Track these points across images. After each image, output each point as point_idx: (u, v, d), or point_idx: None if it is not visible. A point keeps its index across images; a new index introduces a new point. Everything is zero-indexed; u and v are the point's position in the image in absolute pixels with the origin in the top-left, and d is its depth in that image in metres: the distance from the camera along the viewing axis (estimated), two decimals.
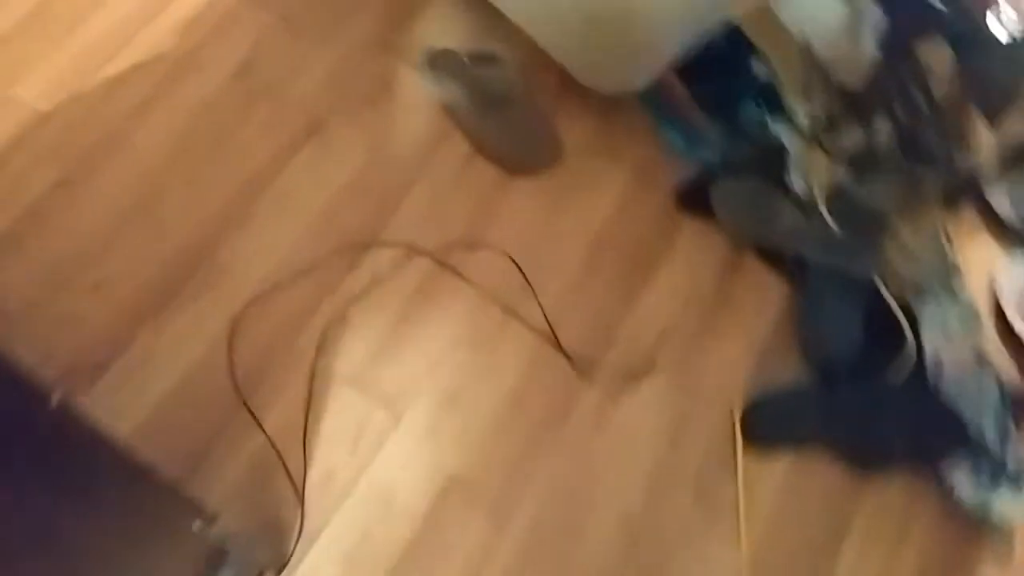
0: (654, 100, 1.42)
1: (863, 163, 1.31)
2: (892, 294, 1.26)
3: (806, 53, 1.33)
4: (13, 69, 1.42)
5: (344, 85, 1.45)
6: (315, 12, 1.53)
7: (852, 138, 1.31)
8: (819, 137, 1.31)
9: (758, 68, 1.36)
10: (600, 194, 1.40)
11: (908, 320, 1.24)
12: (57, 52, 1.45)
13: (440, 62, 1.44)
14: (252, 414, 1.17)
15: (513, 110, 1.40)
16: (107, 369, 1.18)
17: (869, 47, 1.32)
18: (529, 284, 1.31)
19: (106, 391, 1.17)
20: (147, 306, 1.23)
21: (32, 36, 1.46)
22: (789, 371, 1.28)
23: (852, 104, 1.31)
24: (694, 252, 1.37)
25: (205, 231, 1.30)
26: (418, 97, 1.44)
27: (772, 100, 1.35)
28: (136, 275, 1.26)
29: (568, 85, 1.40)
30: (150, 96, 1.42)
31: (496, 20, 1.44)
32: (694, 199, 1.38)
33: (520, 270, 1.32)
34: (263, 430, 1.16)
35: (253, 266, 1.27)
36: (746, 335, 1.31)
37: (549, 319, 1.29)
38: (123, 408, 1.16)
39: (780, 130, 1.34)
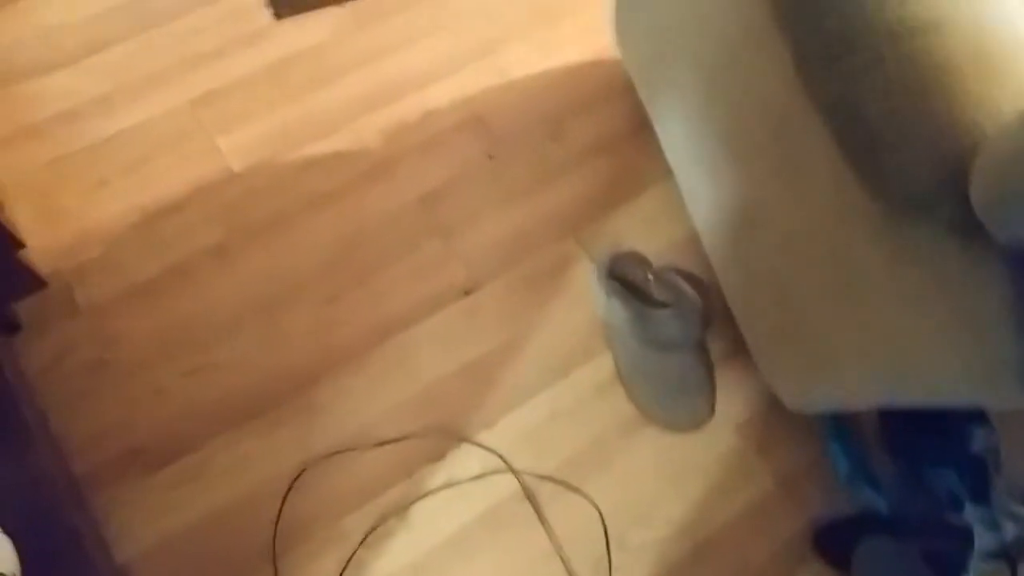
0: (834, 412, 1.20)
1: None
2: None
3: None
4: (229, 118, 1.45)
5: (517, 254, 1.35)
6: (523, 161, 1.44)
7: None
8: (1018, 558, 1.05)
9: (979, 439, 1.11)
10: (732, 486, 1.21)
11: None
12: (273, 114, 1.46)
13: (620, 268, 1.30)
14: None
15: (676, 355, 1.24)
16: (165, 466, 1.16)
17: None
18: (609, 559, 1.15)
19: (153, 489, 1.14)
20: (230, 414, 1.20)
21: (262, 89, 1.48)
22: None
23: None
24: None
25: (317, 359, 1.24)
26: (583, 299, 1.32)
27: (979, 481, 1.10)
28: (235, 376, 1.23)
29: (746, 353, 1.22)
30: (333, 191, 1.39)
31: (699, 254, 1.29)
32: (834, 542, 1.16)
33: (607, 538, 1.16)
34: None
35: (346, 417, 1.20)
36: None
37: None
38: (160, 514, 1.13)
39: (975, 520, 1.09)
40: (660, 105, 1.32)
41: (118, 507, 1.13)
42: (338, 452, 1.18)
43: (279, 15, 1.57)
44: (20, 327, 1.24)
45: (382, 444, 1.19)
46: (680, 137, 1.26)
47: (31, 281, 1.24)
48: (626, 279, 1.30)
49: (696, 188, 1.25)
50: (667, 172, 1.36)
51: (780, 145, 0.89)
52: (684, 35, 1.14)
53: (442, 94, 1.50)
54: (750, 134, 1.03)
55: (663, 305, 1.26)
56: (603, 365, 1.27)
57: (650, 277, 1.30)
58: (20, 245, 1.17)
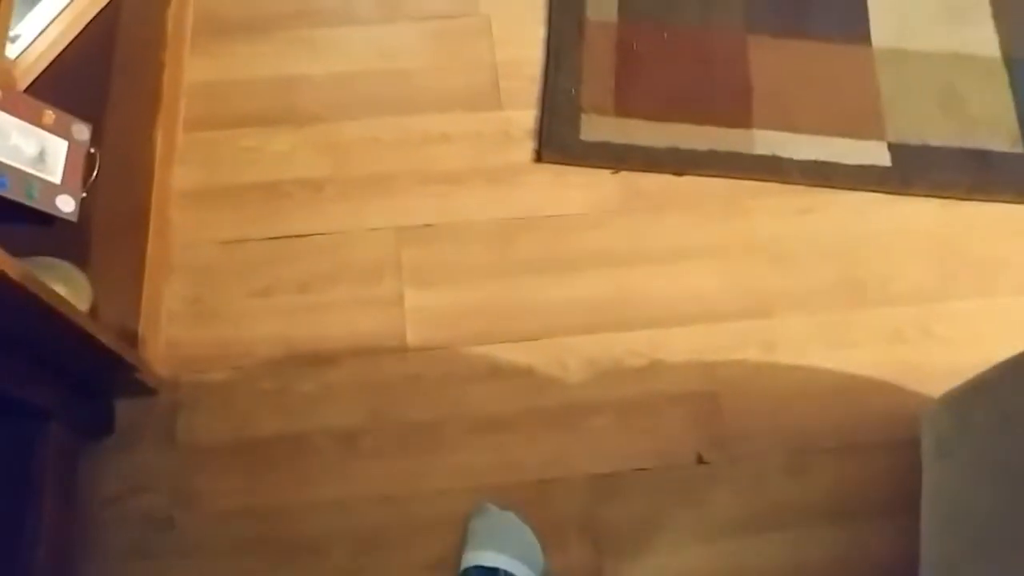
0: None
1: None
2: None
3: None
4: (431, 269, 1.21)
5: None
6: (740, 487, 1.11)
7: None
8: None
9: None
10: None
11: None
12: (479, 286, 1.20)
13: None
14: None
15: None
16: None
17: None
18: None
19: None
20: None
21: (482, 247, 1.23)
22: None
23: None
24: None
25: None
26: None
27: None
28: None
29: None
30: (500, 420, 1.13)
31: None
32: None
33: None
34: None
35: None
36: None
37: None
38: None
39: None
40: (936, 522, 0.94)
41: None
42: None
43: (540, 157, 1.29)
44: (112, 432, 1.07)
45: None
46: None
47: (138, 386, 1.06)
48: None
49: None
50: None
51: None
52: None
53: (682, 344, 1.18)
54: None
55: None
56: None
57: None
58: (132, 368, 0.99)
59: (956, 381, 0.98)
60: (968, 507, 0.87)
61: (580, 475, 1.10)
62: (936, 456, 0.97)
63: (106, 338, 0.88)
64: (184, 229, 1.21)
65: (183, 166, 1.24)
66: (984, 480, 0.84)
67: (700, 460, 1.11)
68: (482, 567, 0.97)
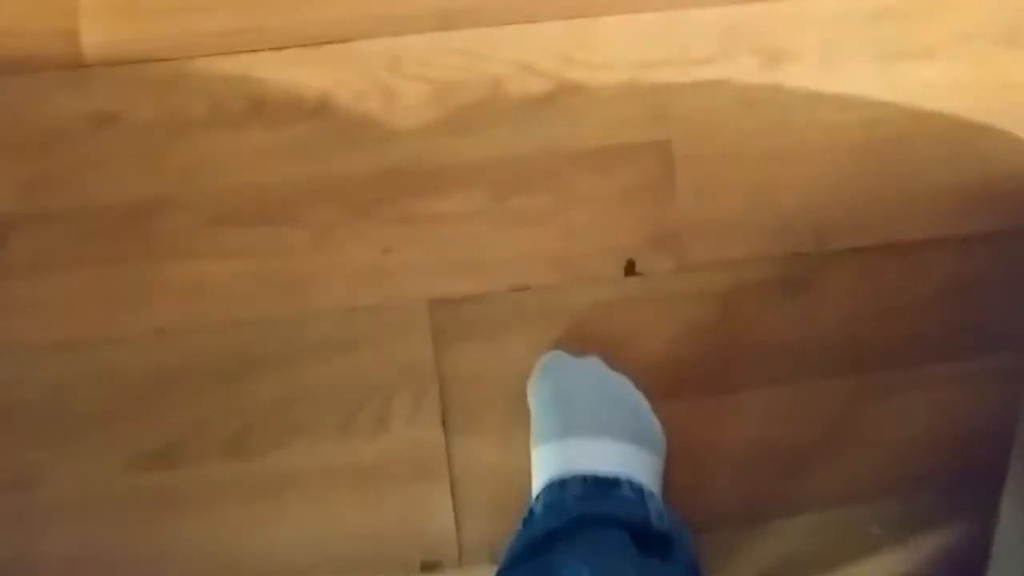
0: None
1: None
2: None
3: None
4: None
5: None
6: None
7: None
8: None
9: None
10: None
11: None
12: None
13: None
14: None
15: None
16: None
17: None
18: None
19: None
20: None
21: None
22: None
23: None
24: None
25: None
26: None
27: None
28: None
29: None
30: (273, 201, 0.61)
31: None
32: None
33: None
34: None
35: None
36: None
37: None
38: None
39: None
40: None
41: None
42: None
43: None
44: None
45: None
46: None
47: None
48: None
49: None
50: None
51: None
52: None
53: (616, 49, 0.64)
54: None
55: None
56: None
57: None
58: None
59: None
60: None
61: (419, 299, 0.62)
62: None
63: None
64: None
65: None
66: None
67: (631, 270, 0.64)
68: (598, 478, 0.52)
